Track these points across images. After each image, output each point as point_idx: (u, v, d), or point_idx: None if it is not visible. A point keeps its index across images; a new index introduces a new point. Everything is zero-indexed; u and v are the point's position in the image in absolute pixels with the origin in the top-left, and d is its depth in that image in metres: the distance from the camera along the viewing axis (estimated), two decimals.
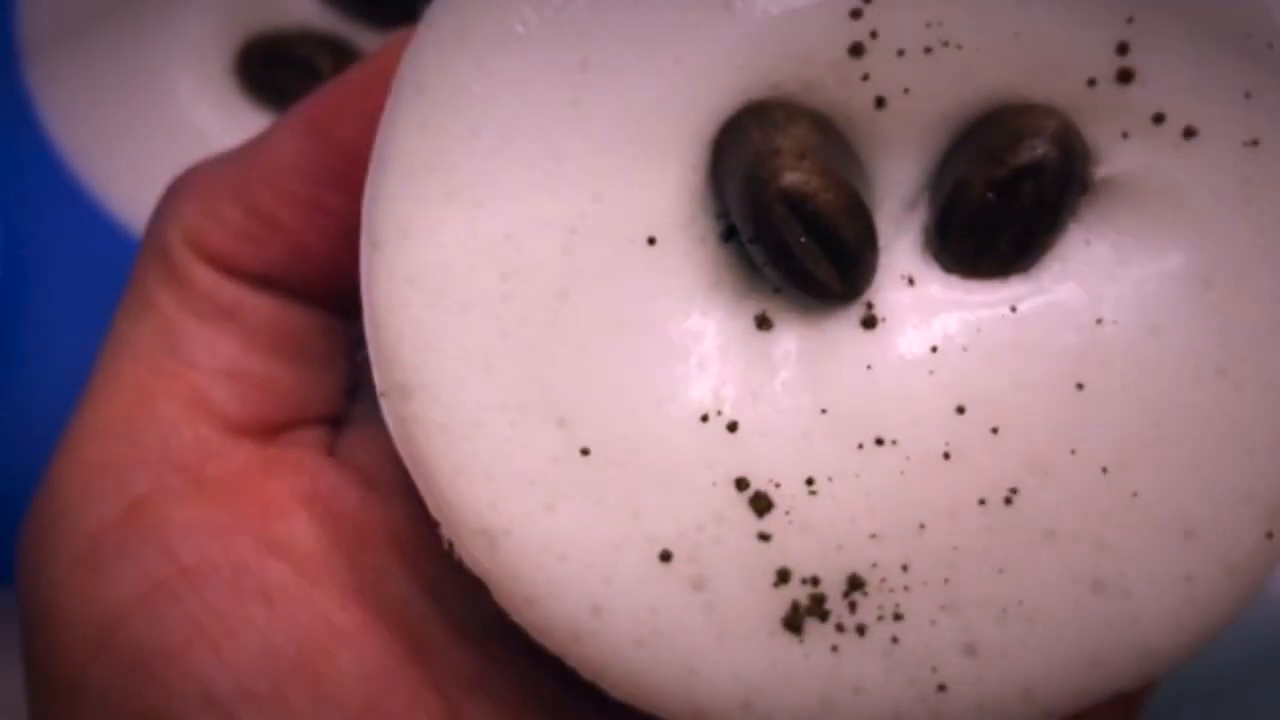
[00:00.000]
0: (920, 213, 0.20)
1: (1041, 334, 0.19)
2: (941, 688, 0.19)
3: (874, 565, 0.19)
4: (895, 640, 0.19)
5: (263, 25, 0.36)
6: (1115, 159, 0.19)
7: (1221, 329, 0.19)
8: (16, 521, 0.22)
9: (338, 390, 0.24)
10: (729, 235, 0.19)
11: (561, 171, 0.19)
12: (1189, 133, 0.19)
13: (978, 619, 0.19)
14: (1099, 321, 0.19)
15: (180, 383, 0.22)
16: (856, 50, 0.19)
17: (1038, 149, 0.19)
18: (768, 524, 0.19)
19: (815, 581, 0.19)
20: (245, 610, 0.20)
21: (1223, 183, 0.19)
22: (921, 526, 0.19)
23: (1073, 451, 0.19)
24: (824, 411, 0.19)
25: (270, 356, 0.23)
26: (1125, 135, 0.19)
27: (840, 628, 0.19)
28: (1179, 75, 0.19)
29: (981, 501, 0.19)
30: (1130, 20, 0.19)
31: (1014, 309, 0.19)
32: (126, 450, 0.22)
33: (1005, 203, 0.19)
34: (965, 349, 0.19)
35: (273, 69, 0.35)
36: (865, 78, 0.19)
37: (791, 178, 0.18)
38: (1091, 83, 0.19)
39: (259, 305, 0.22)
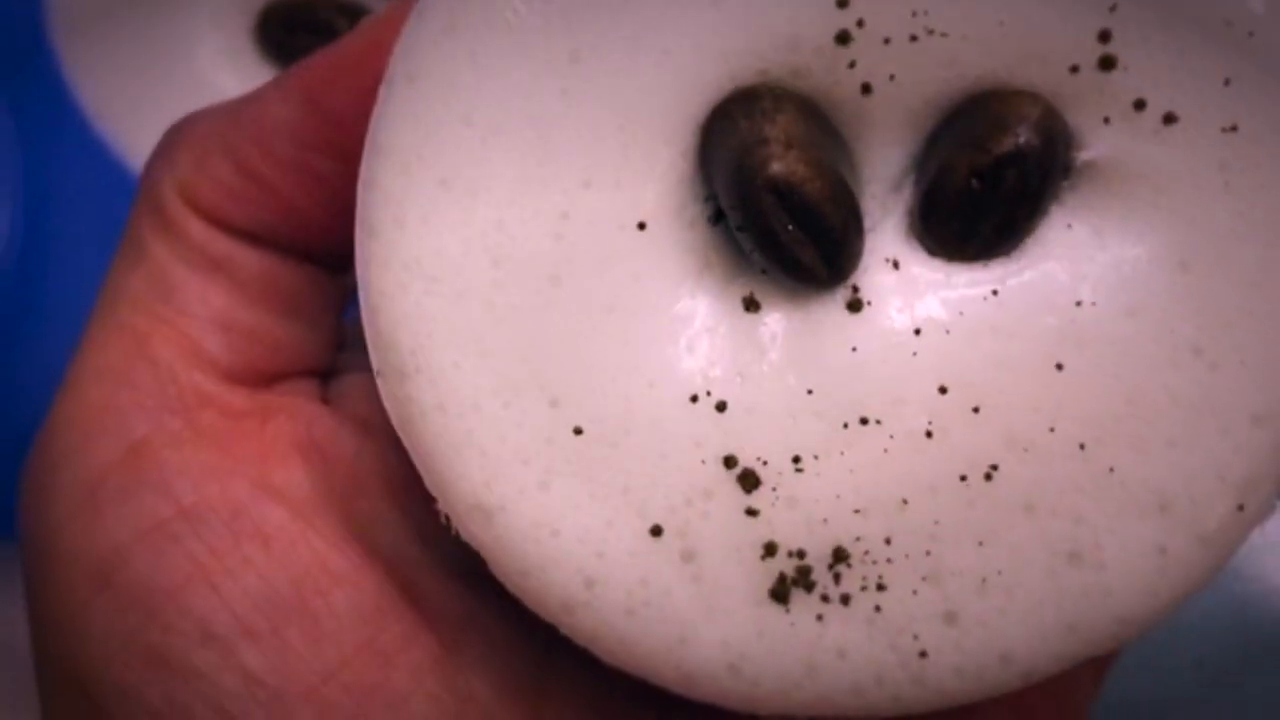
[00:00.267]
0: (905, 196, 0.20)
1: (1022, 316, 0.19)
2: (923, 654, 0.19)
3: (858, 539, 0.19)
4: (878, 609, 0.19)
5: None
6: (1097, 144, 0.19)
7: (1198, 310, 0.19)
8: None
9: (327, 343, 0.24)
10: (717, 218, 0.20)
11: (552, 159, 0.19)
12: (1169, 119, 0.19)
13: (958, 589, 0.19)
14: (1078, 303, 0.19)
15: (174, 330, 0.22)
16: (843, 38, 0.19)
17: (1021, 136, 0.19)
18: (755, 500, 0.19)
19: (801, 554, 0.19)
20: (243, 551, 0.21)
21: (1201, 168, 0.19)
22: (904, 502, 0.19)
23: (1052, 429, 0.19)
24: (810, 392, 0.19)
25: (260, 309, 0.23)
26: (1107, 121, 0.19)
27: (825, 598, 0.19)
28: (1160, 62, 0.19)
29: (963, 478, 0.19)
30: (1113, 8, 0.19)
31: (996, 292, 0.20)
32: (125, 394, 0.22)
33: (988, 189, 0.19)
34: (948, 331, 0.19)
35: (292, 32, 0.36)
36: (852, 65, 0.19)
37: (779, 167, 0.19)
38: (1074, 69, 0.19)
39: (249, 259, 0.23)
